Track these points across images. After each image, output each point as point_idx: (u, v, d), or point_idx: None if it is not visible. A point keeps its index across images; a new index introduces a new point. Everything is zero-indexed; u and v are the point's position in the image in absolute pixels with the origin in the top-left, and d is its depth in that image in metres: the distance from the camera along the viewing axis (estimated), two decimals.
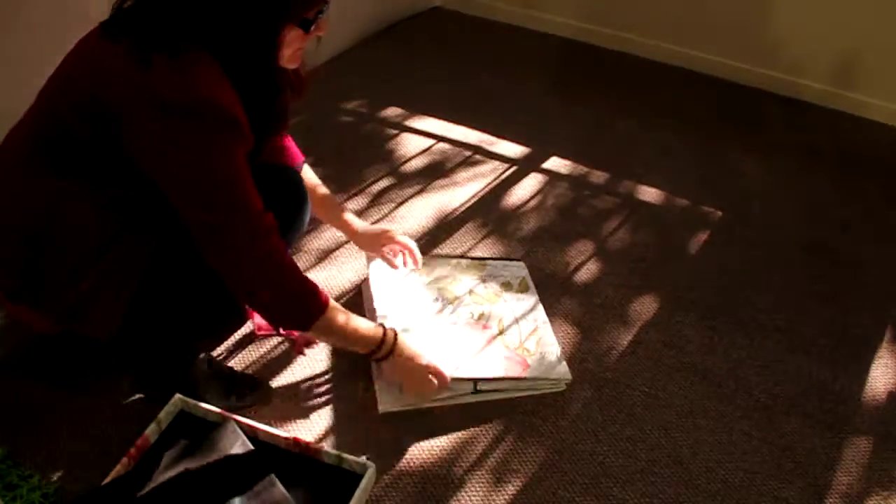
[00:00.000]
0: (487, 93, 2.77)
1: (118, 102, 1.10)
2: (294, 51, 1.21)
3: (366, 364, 1.58)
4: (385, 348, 1.40)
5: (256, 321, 1.68)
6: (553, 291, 1.88)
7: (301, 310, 1.28)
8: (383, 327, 1.42)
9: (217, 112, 1.09)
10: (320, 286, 1.31)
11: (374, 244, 1.70)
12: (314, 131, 2.44)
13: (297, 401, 1.56)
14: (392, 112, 2.61)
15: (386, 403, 1.52)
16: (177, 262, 1.30)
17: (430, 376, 1.44)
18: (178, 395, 1.47)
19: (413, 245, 1.73)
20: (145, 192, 1.21)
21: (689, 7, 2.92)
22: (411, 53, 3.02)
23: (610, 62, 3.07)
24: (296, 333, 1.67)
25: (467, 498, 1.40)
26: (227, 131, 1.11)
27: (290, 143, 1.58)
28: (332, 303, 1.32)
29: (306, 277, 1.28)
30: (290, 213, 1.41)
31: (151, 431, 1.42)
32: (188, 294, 1.35)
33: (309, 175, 1.61)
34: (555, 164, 2.40)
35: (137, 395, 1.53)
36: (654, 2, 2.98)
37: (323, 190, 1.64)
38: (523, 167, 2.36)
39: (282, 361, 1.64)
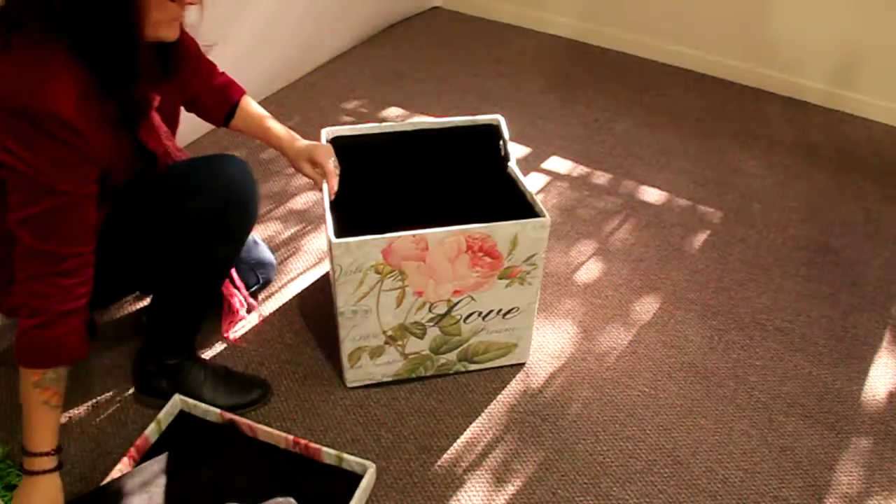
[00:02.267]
0: (487, 93, 2.77)
1: None
2: (166, 17, 1.10)
3: None
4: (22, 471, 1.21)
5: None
6: (553, 291, 1.88)
7: (53, 351, 1.17)
8: None
9: (53, 122, 1.01)
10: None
11: (300, 160, 1.53)
12: (314, 131, 2.44)
13: (298, 401, 1.56)
14: (392, 112, 2.61)
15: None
16: (124, 248, 1.29)
17: None
18: (177, 396, 1.47)
19: (334, 172, 1.49)
20: None
21: (689, 7, 2.92)
22: (411, 53, 3.02)
23: (610, 62, 3.07)
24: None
25: (467, 498, 1.40)
26: (62, 144, 1.04)
27: (228, 79, 1.54)
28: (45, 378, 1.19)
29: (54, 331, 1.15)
30: (238, 204, 1.35)
31: (151, 431, 1.42)
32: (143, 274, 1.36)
33: (250, 105, 1.55)
34: (555, 164, 2.40)
35: (136, 396, 1.53)
36: (655, 2, 2.98)
37: (266, 119, 1.56)
38: (523, 167, 2.36)
39: (281, 361, 1.64)
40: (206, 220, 1.29)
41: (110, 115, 1.13)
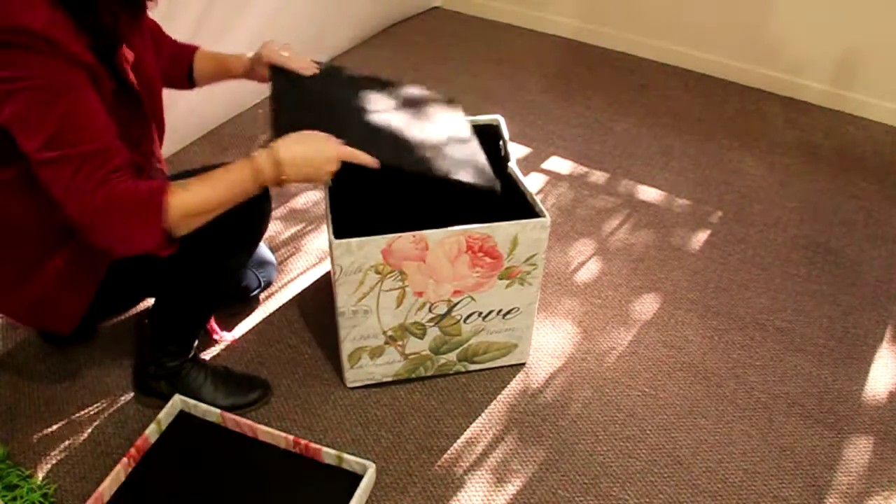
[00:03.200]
0: (487, 93, 2.77)
1: None
2: None
3: None
4: (267, 163, 1.18)
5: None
6: (553, 291, 1.88)
7: (147, 212, 1.10)
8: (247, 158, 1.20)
9: (27, 35, 1.01)
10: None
11: (256, 68, 1.47)
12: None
13: (298, 401, 1.56)
14: None
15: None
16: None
17: (325, 141, 1.23)
18: (177, 396, 1.47)
19: (291, 57, 1.45)
20: None
21: (690, 7, 2.92)
22: (411, 53, 3.02)
23: (610, 62, 3.07)
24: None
25: (467, 498, 1.40)
26: (45, 51, 1.03)
27: (178, 44, 1.51)
28: (175, 183, 1.14)
29: (140, 183, 1.12)
30: (257, 217, 1.38)
31: (151, 431, 1.42)
32: (160, 278, 1.35)
33: (204, 53, 1.52)
34: (555, 164, 2.40)
35: (136, 396, 1.53)
36: (655, 2, 2.98)
37: (219, 55, 1.52)
38: (523, 167, 2.36)
39: (281, 361, 1.64)
40: (223, 232, 1.30)
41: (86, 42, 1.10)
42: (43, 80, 1.03)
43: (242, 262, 1.41)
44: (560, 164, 2.39)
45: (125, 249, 1.13)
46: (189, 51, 1.51)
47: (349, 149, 1.24)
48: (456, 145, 1.45)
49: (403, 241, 1.37)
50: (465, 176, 1.35)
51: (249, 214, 1.33)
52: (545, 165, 2.38)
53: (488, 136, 1.68)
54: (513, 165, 1.60)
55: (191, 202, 1.13)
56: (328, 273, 1.88)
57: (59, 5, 1.05)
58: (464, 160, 1.41)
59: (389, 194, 1.73)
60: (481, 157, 1.45)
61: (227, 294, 1.66)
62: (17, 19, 1.00)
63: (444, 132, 1.47)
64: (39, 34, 1.01)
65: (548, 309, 1.83)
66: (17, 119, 1.04)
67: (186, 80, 1.53)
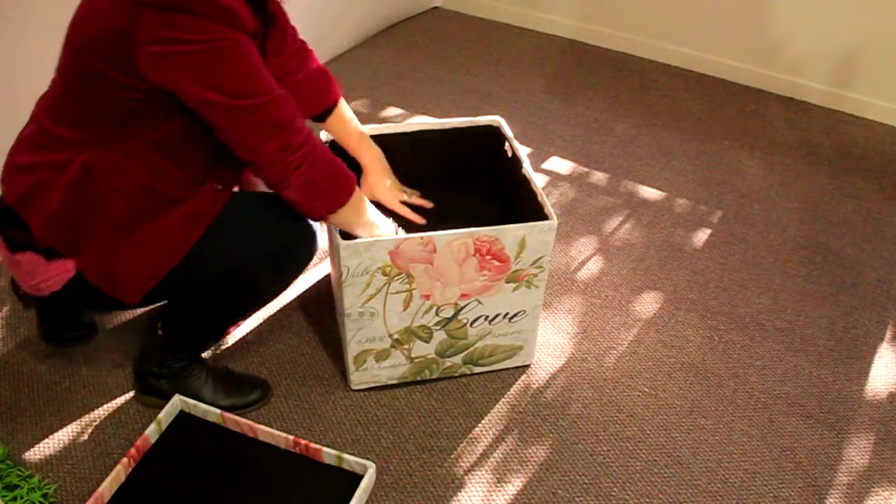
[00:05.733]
0: (487, 93, 2.77)
1: (120, 23, 1.09)
2: None
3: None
4: (359, 218, 1.37)
5: None
6: (554, 291, 1.88)
7: (342, 180, 1.29)
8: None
9: (210, 6, 1.08)
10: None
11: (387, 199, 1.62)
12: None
13: (298, 401, 1.56)
14: (392, 112, 2.61)
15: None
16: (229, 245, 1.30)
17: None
18: (177, 396, 1.47)
19: (408, 212, 1.60)
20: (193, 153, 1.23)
21: (690, 7, 2.92)
22: (411, 53, 3.02)
23: (610, 62, 3.07)
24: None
25: (467, 498, 1.40)
26: (222, 20, 1.10)
27: (324, 69, 1.55)
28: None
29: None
30: (304, 254, 1.39)
31: (151, 431, 1.42)
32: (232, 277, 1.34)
33: (345, 111, 1.58)
34: (555, 164, 2.40)
35: (137, 396, 1.54)
36: (655, 2, 2.98)
37: (359, 137, 1.61)
38: None
39: (282, 361, 1.64)
40: (271, 267, 1.32)
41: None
42: (225, 42, 1.11)
43: (282, 290, 1.42)
44: (560, 164, 2.39)
45: (316, 198, 1.27)
46: (332, 96, 1.55)
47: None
48: None
49: (411, 243, 1.37)
50: None
51: (297, 251, 1.35)
52: (545, 165, 2.38)
53: (489, 137, 1.68)
54: (527, 167, 1.60)
55: (360, 199, 1.33)
56: (328, 274, 1.88)
57: None
58: None
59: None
60: None
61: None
62: None
63: None
64: (221, 5, 1.08)
65: (548, 309, 1.83)
66: (206, 78, 1.11)
67: (311, 117, 1.55)
